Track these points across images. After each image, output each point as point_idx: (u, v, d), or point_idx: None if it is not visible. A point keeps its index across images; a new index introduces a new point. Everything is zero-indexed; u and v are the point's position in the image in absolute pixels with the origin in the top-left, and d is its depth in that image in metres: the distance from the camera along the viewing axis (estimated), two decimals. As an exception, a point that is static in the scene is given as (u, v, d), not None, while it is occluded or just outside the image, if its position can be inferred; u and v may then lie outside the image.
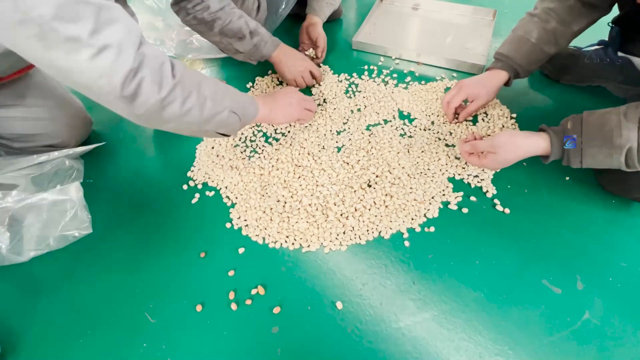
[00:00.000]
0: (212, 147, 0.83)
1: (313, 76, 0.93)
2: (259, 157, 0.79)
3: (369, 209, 0.69)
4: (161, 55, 0.51)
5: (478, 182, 0.73)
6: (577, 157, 0.59)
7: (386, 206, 0.70)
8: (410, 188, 0.72)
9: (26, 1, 0.39)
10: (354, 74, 0.97)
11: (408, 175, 0.74)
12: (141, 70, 0.47)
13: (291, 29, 1.11)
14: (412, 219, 0.68)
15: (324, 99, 0.91)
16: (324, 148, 0.80)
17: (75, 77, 0.45)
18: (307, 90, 0.94)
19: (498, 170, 0.74)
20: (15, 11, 0.39)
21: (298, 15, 1.11)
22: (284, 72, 0.90)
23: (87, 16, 0.42)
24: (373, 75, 0.96)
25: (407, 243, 0.66)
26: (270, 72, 1.00)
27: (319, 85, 0.95)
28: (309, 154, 0.79)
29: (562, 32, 0.71)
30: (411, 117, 0.86)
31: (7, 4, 0.39)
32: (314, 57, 0.99)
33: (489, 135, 0.80)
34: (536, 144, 0.63)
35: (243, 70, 1.01)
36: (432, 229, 0.67)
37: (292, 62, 0.90)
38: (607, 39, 0.83)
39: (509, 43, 0.76)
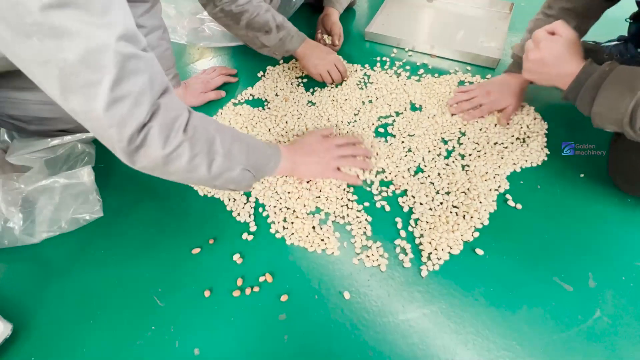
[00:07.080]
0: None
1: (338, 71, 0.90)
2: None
3: (379, 201, 0.69)
4: (178, 108, 0.49)
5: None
6: (590, 96, 0.55)
7: (396, 198, 0.69)
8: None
9: (51, 47, 0.39)
10: (366, 65, 0.96)
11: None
12: (150, 122, 0.46)
13: (310, 18, 1.11)
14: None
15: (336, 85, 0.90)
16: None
17: (87, 122, 0.44)
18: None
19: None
20: (40, 54, 0.39)
21: (316, 5, 1.11)
22: (308, 66, 0.89)
23: (111, 65, 0.41)
24: (385, 67, 0.95)
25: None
26: (281, 61, 0.99)
27: (345, 80, 0.92)
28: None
29: (581, 30, 0.68)
30: (423, 109, 0.85)
31: (35, 45, 0.38)
32: (330, 44, 0.98)
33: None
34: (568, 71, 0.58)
35: (254, 59, 1.00)
36: (442, 222, 0.66)
37: (317, 56, 0.88)
38: (626, 35, 0.81)
39: None
